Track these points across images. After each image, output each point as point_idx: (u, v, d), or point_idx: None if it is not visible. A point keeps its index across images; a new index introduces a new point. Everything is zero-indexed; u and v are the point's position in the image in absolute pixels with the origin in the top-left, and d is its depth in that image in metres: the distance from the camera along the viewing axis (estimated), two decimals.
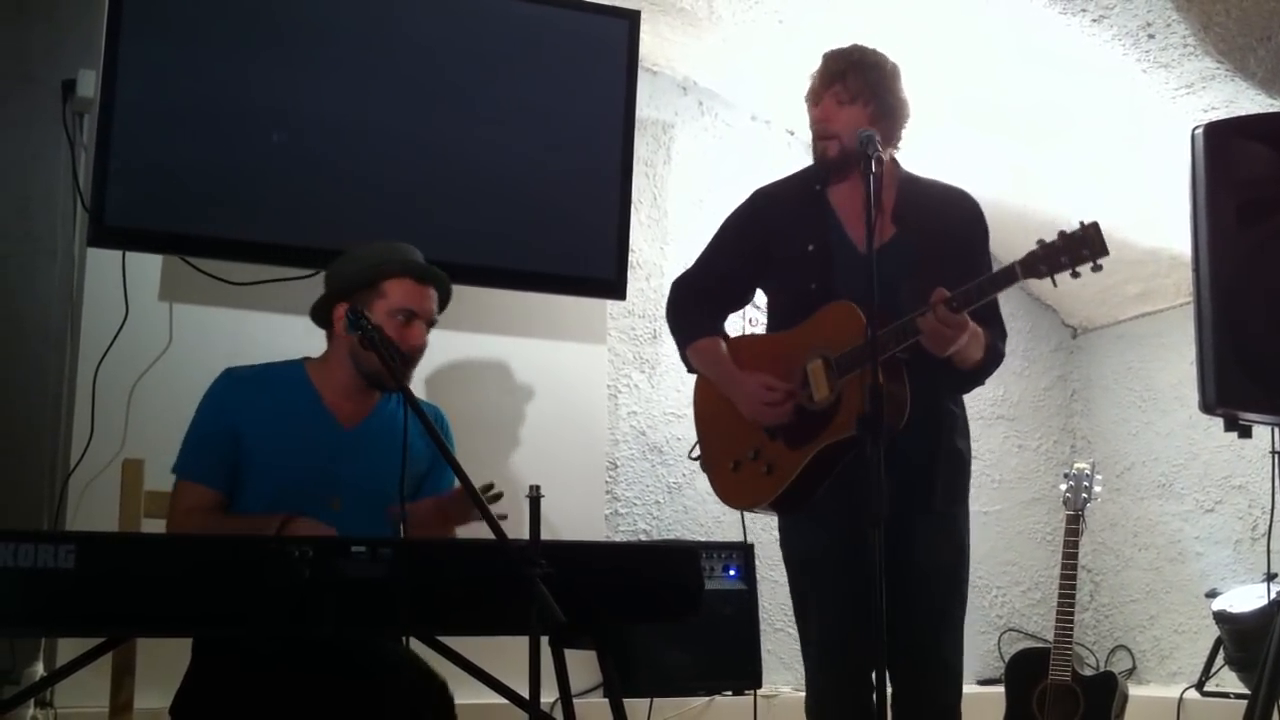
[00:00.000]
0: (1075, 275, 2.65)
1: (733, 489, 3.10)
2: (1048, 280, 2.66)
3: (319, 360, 2.91)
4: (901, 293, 2.81)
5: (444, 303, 2.94)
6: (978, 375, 2.96)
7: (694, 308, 3.20)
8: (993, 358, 2.94)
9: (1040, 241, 2.67)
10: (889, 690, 2.92)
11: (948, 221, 2.99)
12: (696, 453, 3.20)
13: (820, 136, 3.00)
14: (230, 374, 2.84)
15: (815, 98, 2.99)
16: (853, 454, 2.79)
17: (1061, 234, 2.64)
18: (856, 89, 2.94)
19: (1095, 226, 2.61)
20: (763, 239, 3.11)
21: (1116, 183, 4.53)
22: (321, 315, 2.92)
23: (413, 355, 2.83)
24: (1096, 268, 2.61)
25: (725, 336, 3.18)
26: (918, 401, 2.82)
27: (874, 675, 2.83)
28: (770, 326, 3.17)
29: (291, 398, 2.83)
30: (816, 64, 3.04)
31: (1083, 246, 2.61)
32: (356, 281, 2.84)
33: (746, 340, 3.24)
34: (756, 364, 3.04)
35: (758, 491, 3.01)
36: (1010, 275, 2.70)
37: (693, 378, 3.24)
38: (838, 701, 2.95)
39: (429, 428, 2.41)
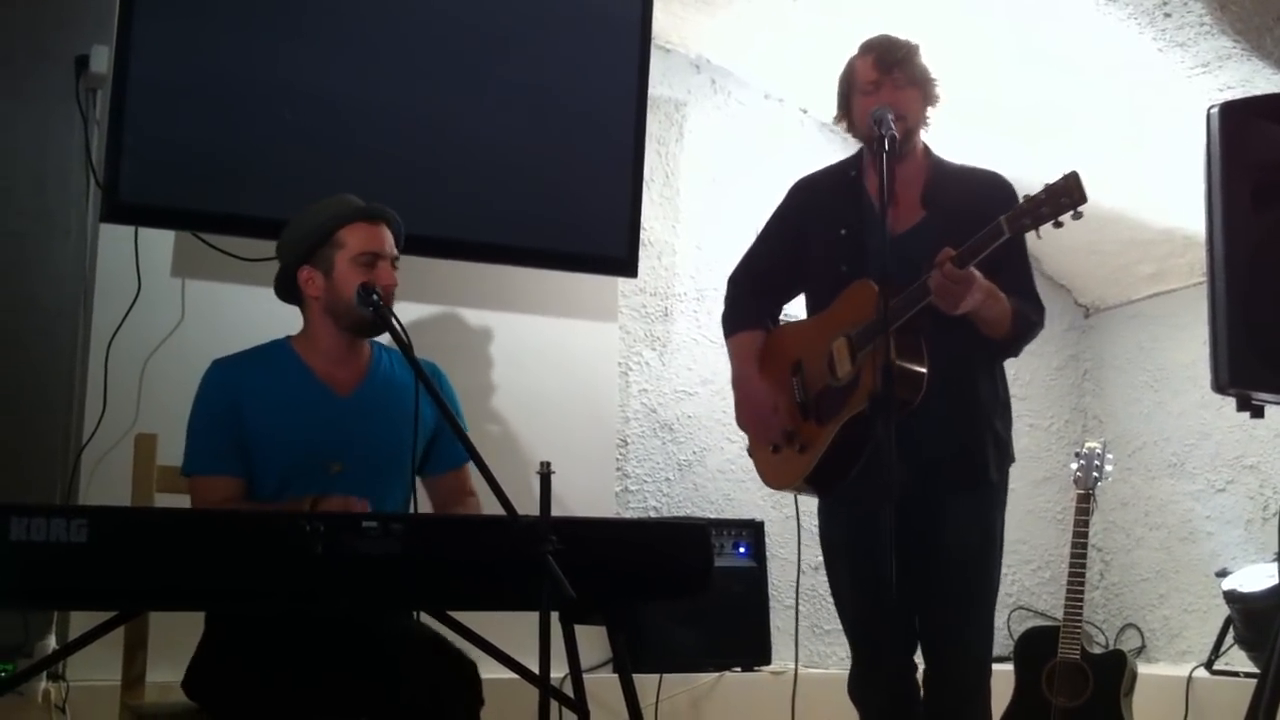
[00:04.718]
0: (1058, 225, 2.69)
1: (773, 471, 3.17)
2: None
3: (301, 335, 2.87)
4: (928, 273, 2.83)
5: (399, 240, 2.88)
6: (1008, 345, 3.00)
7: (745, 301, 3.27)
8: (1024, 326, 2.97)
9: (1025, 196, 2.73)
10: (920, 670, 2.99)
11: (979, 203, 3.00)
12: (749, 443, 3.27)
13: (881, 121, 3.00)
14: (218, 364, 2.81)
15: (875, 86, 3.03)
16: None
17: (1045, 186, 2.69)
18: (910, 76, 3.03)
19: (1074, 175, 2.66)
20: (800, 227, 3.19)
21: (1125, 166, 4.51)
22: (286, 288, 2.87)
23: (388, 296, 2.77)
24: (1077, 215, 2.66)
25: (768, 328, 3.25)
26: (948, 378, 2.85)
27: (902, 656, 2.92)
28: (809, 310, 3.22)
29: (283, 375, 2.80)
30: (850, 51, 3.09)
31: (1062, 195, 2.66)
32: (312, 241, 2.80)
33: (785, 327, 3.30)
34: (794, 348, 3.12)
35: (793, 470, 3.07)
36: (996, 231, 2.75)
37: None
38: (873, 682, 3.03)
39: (432, 392, 2.42)
